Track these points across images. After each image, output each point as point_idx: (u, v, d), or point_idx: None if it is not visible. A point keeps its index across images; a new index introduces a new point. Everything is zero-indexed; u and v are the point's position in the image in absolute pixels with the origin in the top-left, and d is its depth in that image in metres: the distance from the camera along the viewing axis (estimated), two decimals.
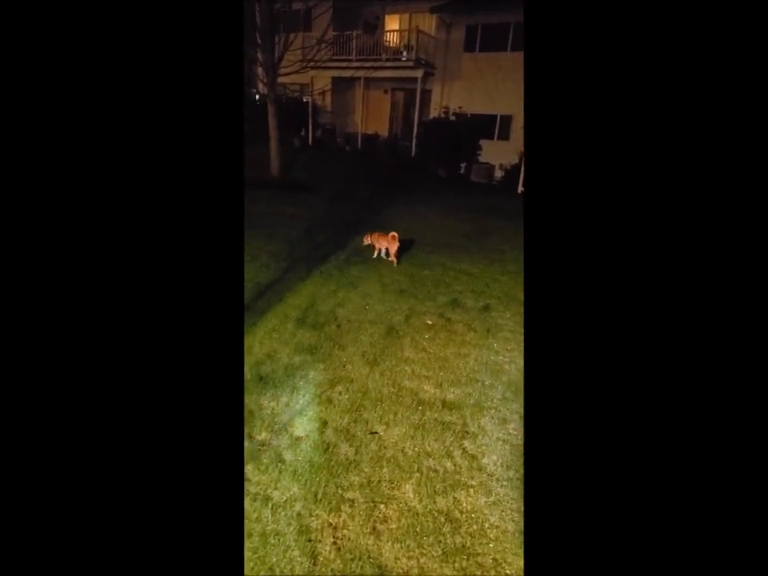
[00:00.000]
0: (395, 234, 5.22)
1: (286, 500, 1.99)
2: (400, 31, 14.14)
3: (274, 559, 1.73)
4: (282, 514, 1.92)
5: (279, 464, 2.18)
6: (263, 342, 3.32)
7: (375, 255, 5.54)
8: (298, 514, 1.92)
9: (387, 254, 5.45)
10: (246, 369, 2.96)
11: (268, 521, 1.87)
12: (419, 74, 13.18)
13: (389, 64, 13.45)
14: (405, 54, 13.37)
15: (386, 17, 14.97)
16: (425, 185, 10.99)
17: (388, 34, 14.25)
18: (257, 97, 14.20)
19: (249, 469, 2.13)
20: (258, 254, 5.17)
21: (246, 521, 1.86)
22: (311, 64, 9.17)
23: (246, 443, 2.29)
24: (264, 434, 2.37)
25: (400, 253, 5.43)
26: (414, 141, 13.48)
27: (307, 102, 15.23)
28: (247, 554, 1.73)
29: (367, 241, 5.58)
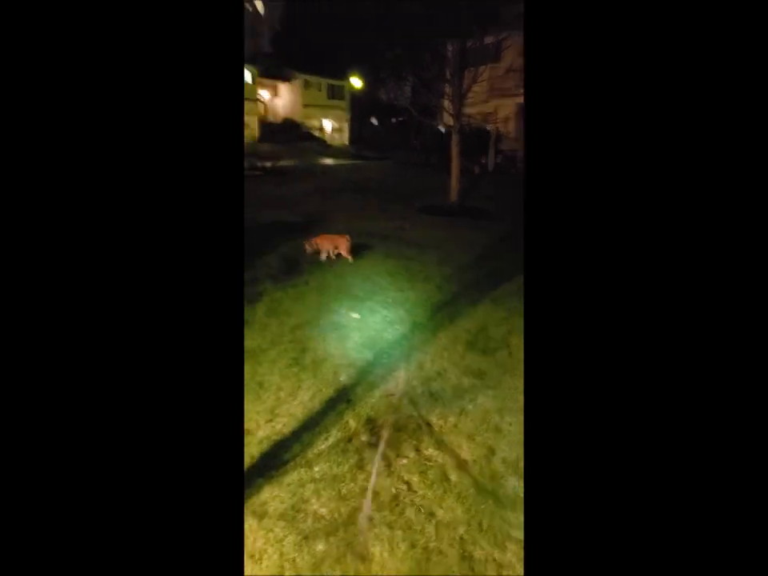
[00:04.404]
0: (345, 236, 5.67)
1: (450, 521, 1.97)
2: None
3: None
4: (446, 533, 1.90)
5: (444, 483, 2.18)
6: (434, 360, 3.40)
7: (324, 258, 5.61)
8: (461, 539, 1.88)
9: (332, 255, 5.65)
10: (417, 383, 3.06)
11: (432, 537, 1.88)
12: None
13: None
14: None
15: None
16: None
17: None
18: (442, 129, 14.90)
19: (415, 480, 2.18)
20: (432, 275, 5.35)
21: (408, 530, 1.90)
22: (497, 93, 9.26)
23: (413, 455, 2.36)
24: (431, 450, 2.40)
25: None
26: None
27: (489, 129, 15.40)
28: (410, 563, 1.76)
29: (310, 248, 5.60)
